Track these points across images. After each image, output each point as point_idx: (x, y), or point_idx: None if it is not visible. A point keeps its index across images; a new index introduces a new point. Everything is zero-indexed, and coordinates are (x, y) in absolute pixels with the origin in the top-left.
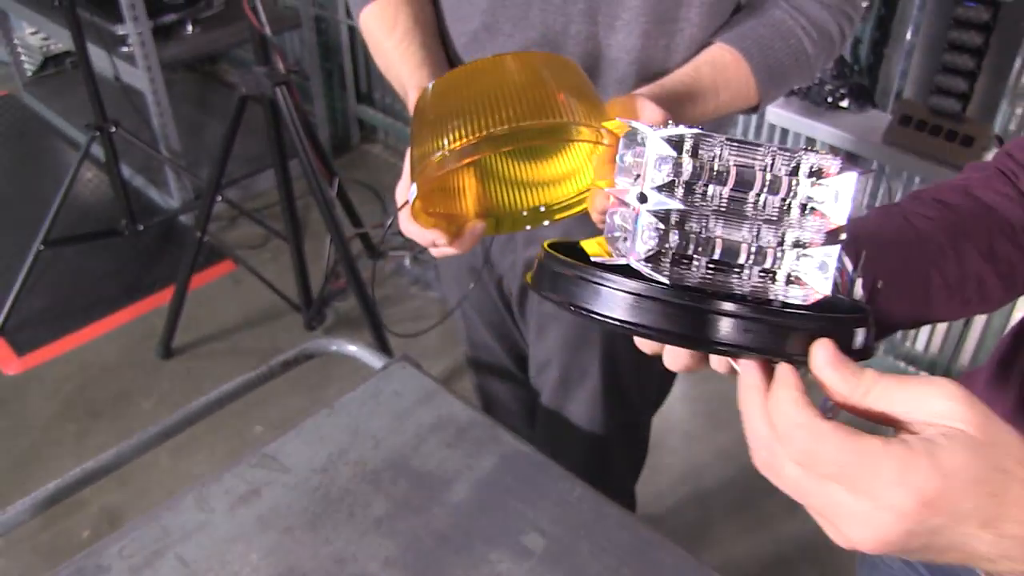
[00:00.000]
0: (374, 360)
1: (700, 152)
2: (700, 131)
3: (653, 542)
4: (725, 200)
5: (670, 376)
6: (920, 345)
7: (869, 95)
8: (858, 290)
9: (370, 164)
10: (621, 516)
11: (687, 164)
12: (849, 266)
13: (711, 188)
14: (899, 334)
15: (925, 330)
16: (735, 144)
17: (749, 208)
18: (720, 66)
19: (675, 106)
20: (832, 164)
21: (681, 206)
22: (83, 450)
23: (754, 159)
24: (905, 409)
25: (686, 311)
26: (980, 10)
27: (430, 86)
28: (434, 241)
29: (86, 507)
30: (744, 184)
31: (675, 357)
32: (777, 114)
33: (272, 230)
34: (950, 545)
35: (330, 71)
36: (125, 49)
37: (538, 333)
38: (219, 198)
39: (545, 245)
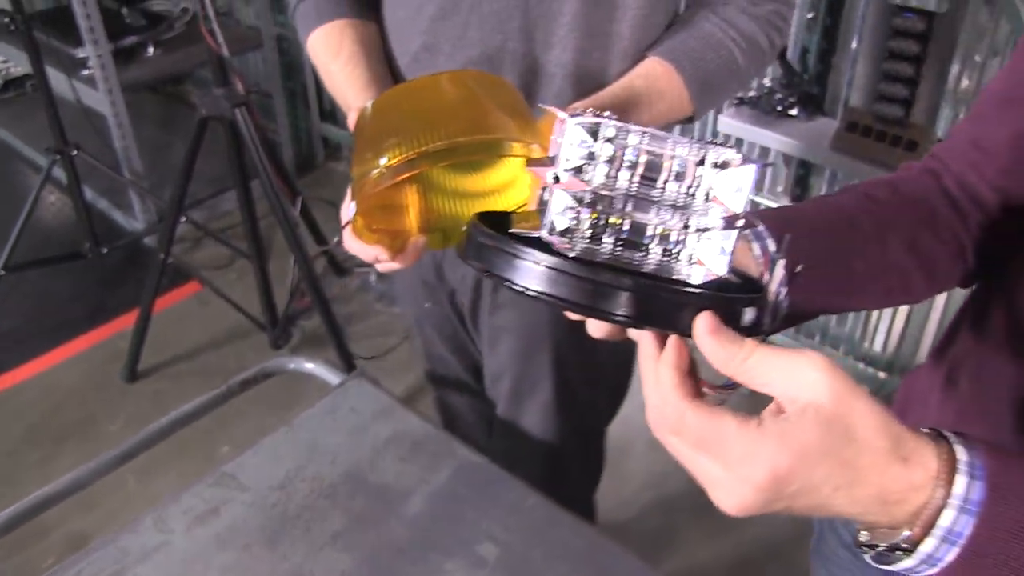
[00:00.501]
0: (332, 377)
1: (615, 140)
2: (615, 121)
3: (607, 548)
4: (635, 185)
5: (622, 387)
6: (878, 346)
7: (818, 103)
8: (779, 271)
9: (335, 182)
10: (574, 523)
11: (600, 149)
12: (772, 247)
13: (623, 173)
14: (858, 335)
15: (883, 330)
16: (648, 134)
17: (657, 193)
18: (653, 78)
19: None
20: (734, 157)
21: (591, 188)
22: (48, 476)
23: (664, 149)
24: (778, 379)
25: (585, 284)
26: (916, 20)
27: (369, 105)
28: (377, 257)
29: (51, 534)
30: (653, 171)
31: (595, 326)
32: (728, 123)
33: (237, 250)
34: (811, 506)
35: (293, 90)
36: (86, 72)
37: (491, 345)
38: (183, 219)
39: (475, 216)
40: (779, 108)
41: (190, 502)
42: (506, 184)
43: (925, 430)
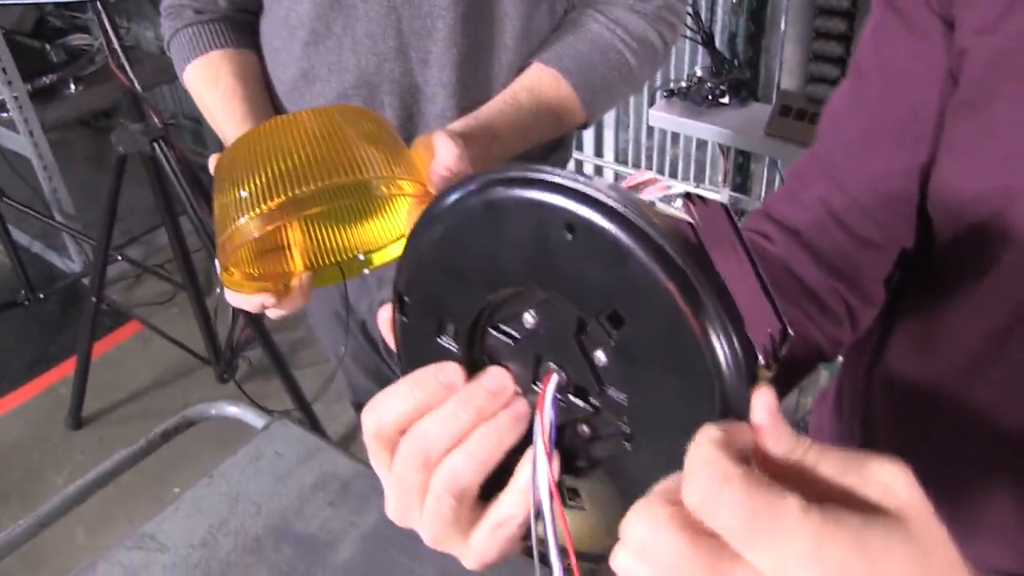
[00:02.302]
0: (255, 420)
1: None
2: None
3: None
4: None
5: None
6: None
7: (751, 89)
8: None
9: None
10: (514, 560)
11: None
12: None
13: None
14: None
15: None
16: None
17: None
18: (539, 89)
19: (491, 137)
20: None
21: None
22: None
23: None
24: (845, 484)
25: None
26: None
27: (225, 152)
28: (263, 304)
29: None
30: None
31: None
32: (659, 117)
33: (177, 284)
34: None
35: None
36: (4, 115)
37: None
38: (118, 258)
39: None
40: (710, 97)
41: (106, 569)
42: (387, 208)
43: None
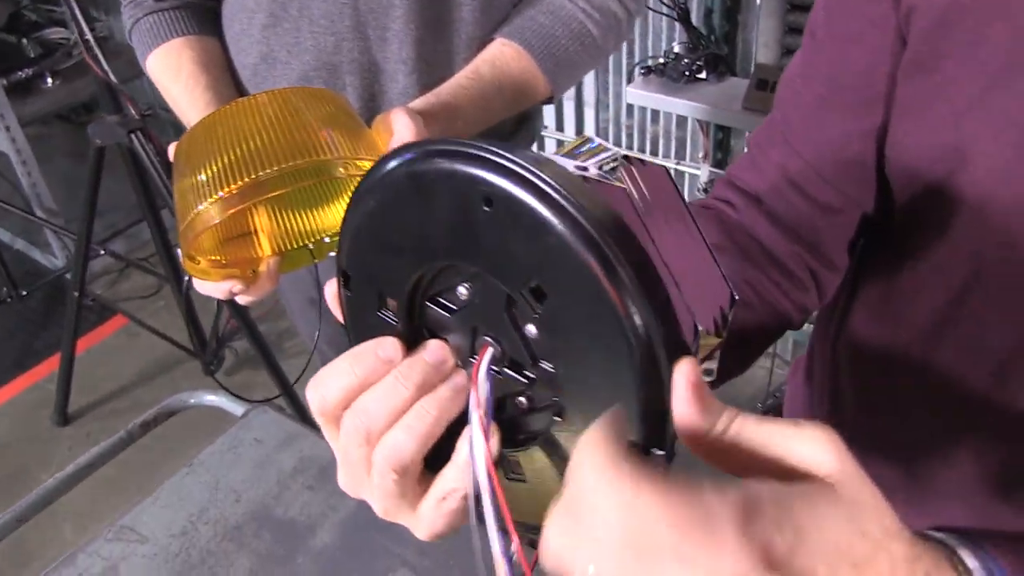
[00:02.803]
0: (235, 408)
1: None
2: None
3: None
4: None
5: None
6: None
7: (728, 64)
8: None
9: None
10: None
11: None
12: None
13: None
14: None
15: None
16: None
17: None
18: (502, 63)
19: (452, 113)
20: None
21: None
22: None
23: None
24: (771, 454)
25: None
26: None
27: (183, 139)
28: (231, 290)
29: None
30: None
31: None
32: (636, 94)
33: (162, 277)
34: None
35: None
36: None
37: None
38: (102, 252)
39: None
40: (687, 73)
41: (86, 562)
42: (350, 189)
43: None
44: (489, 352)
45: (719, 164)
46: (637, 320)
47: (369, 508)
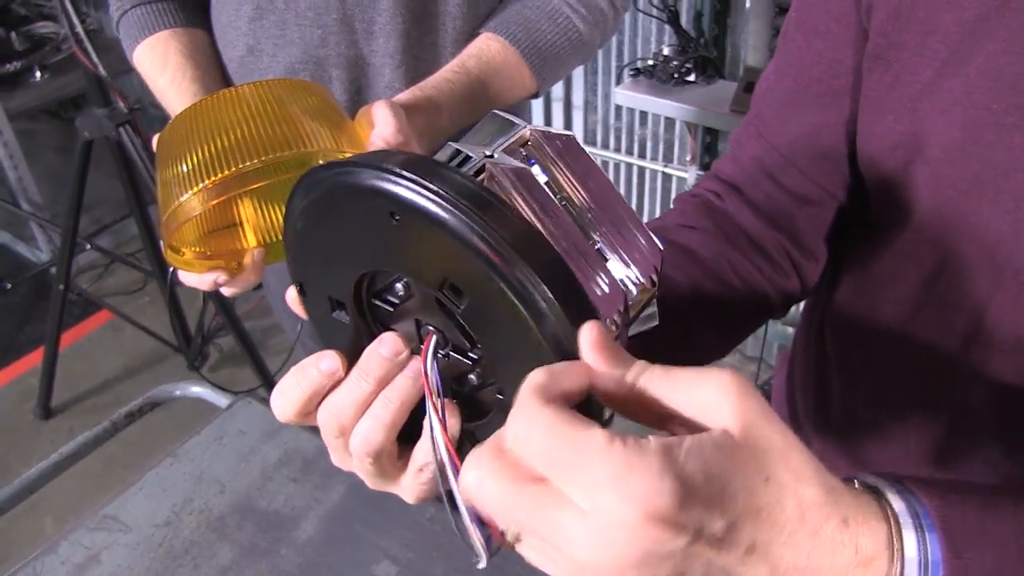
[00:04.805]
0: (220, 400)
1: None
2: None
3: (510, 558)
4: None
5: None
6: None
7: (716, 67)
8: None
9: None
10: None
11: None
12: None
13: None
14: None
15: None
16: None
17: None
18: (487, 57)
19: (436, 107)
20: None
21: None
22: None
23: None
24: (677, 405)
25: None
26: None
27: (166, 129)
28: (215, 282)
29: None
30: None
31: None
32: (625, 95)
33: (148, 272)
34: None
35: None
36: None
37: None
38: (87, 247)
39: None
40: (676, 76)
41: (68, 551)
42: None
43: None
44: (433, 340)
45: (707, 167)
46: (537, 298)
47: (354, 501)
